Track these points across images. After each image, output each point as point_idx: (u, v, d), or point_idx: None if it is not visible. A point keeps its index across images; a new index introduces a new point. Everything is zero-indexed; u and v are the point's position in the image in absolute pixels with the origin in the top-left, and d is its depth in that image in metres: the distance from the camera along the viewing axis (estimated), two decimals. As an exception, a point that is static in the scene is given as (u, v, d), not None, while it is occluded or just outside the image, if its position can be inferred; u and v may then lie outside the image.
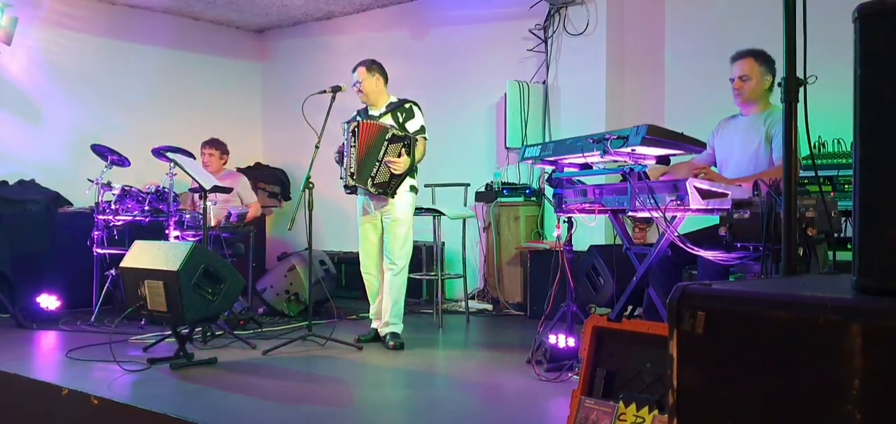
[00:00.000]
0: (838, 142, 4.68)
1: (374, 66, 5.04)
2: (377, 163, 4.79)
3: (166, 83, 8.04)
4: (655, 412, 2.39)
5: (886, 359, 1.33)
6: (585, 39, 6.27)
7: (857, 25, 1.52)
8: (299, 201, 4.84)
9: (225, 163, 6.89)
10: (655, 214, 3.54)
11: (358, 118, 5.00)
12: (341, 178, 4.96)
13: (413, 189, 5.04)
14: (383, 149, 4.79)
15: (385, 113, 4.98)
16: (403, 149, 4.83)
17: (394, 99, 5.07)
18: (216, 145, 6.79)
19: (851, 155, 4.08)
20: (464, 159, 6.96)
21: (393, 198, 4.89)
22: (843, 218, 3.80)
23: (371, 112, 5.06)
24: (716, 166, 4.23)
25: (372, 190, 4.84)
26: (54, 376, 4.18)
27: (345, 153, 4.90)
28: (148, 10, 7.84)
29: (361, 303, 5.71)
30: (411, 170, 4.94)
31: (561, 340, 3.98)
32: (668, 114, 6.09)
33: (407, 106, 5.00)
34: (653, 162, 3.79)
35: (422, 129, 4.98)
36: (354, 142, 4.83)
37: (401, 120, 4.95)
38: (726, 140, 4.18)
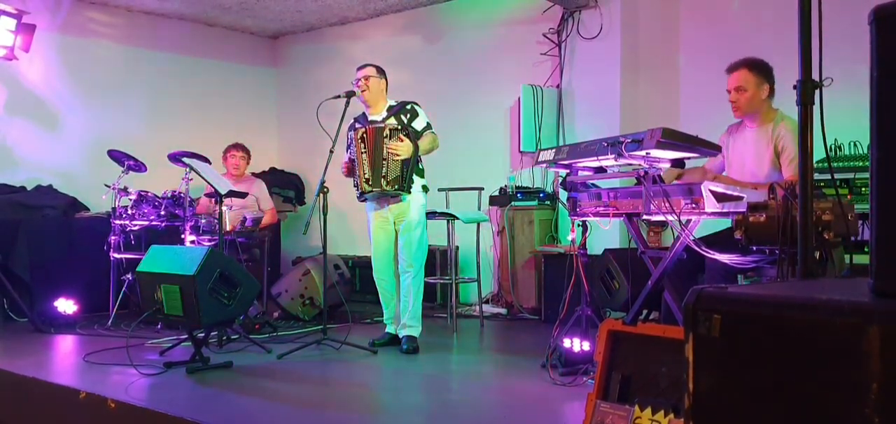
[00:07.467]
0: (855, 145, 4.65)
1: (382, 70, 5.10)
2: (384, 162, 4.82)
3: (181, 89, 8.09)
4: (671, 416, 2.38)
5: (904, 362, 1.32)
6: (599, 43, 6.25)
7: (873, 28, 1.51)
8: (314, 205, 4.86)
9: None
10: (670, 217, 3.53)
11: (357, 125, 5.02)
12: (355, 186, 4.98)
13: (425, 189, 5.06)
14: (384, 145, 4.82)
15: (387, 116, 5.00)
16: (402, 136, 4.85)
17: (393, 102, 5.10)
18: (244, 148, 6.84)
19: (868, 157, 4.06)
20: (478, 163, 6.96)
21: (409, 193, 4.90)
22: (860, 221, 3.77)
23: (371, 116, 5.08)
24: (725, 171, 4.18)
25: (388, 189, 4.85)
26: (72, 379, 4.22)
27: (356, 161, 4.92)
28: (163, 17, 7.90)
29: (376, 307, 5.72)
30: (418, 163, 4.97)
31: (576, 344, 3.97)
32: (683, 117, 6.07)
33: (408, 106, 5.04)
34: (667, 165, 3.78)
35: (428, 126, 5.03)
36: (365, 148, 4.85)
37: (406, 121, 4.97)
38: (737, 150, 4.11)
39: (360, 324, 5.93)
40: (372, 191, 4.90)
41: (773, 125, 3.92)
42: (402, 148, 4.82)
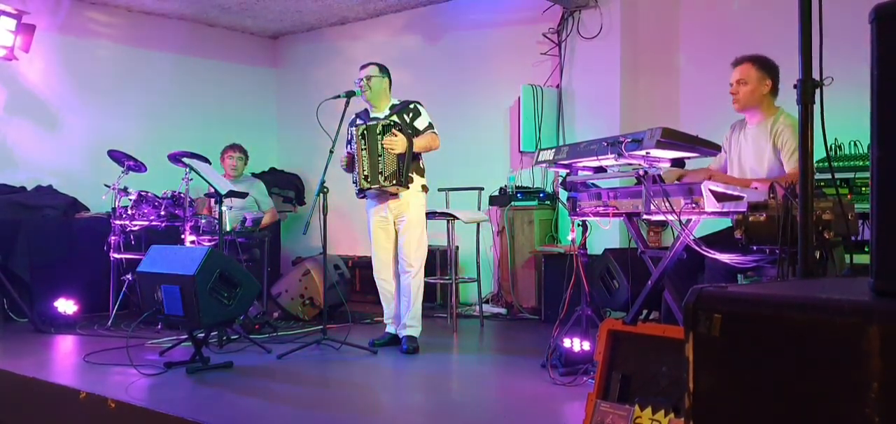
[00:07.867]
0: (855, 144, 4.65)
1: (385, 68, 5.10)
2: (380, 158, 4.82)
3: (181, 89, 8.08)
4: (671, 415, 2.38)
5: (905, 362, 1.32)
6: (599, 42, 6.25)
7: (873, 27, 1.51)
8: (314, 205, 4.86)
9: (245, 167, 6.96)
10: (670, 217, 3.53)
11: (358, 122, 5.03)
12: (354, 183, 4.99)
13: (424, 188, 5.06)
14: (379, 141, 4.83)
15: (390, 114, 5.00)
16: (396, 131, 4.86)
17: (396, 101, 5.10)
18: (241, 149, 6.84)
19: (868, 157, 4.04)
20: (478, 163, 6.96)
21: (407, 188, 4.91)
22: (861, 221, 3.77)
23: (373, 114, 5.08)
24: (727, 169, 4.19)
25: (386, 184, 4.85)
26: (72, 379, 4.22)
27: (355, 157, 4.93)
28: (163, 17, 7.90)
29: (376, 307, 5.72)
30: (418, 160, 4.99)
31: (576, 344, 3.97)
32: (683, 116, 6.06)
33: (411, 106, 5.04)
34: (667, 164, 3.78)
35: (430, 126, 5.03)
36: (365, 145, 4.86)
37: (408, 120, 4.98)
38: (737, 148, 4.12)
39: (360, 324, 5.93)
40: (370, 188, 4.91)
41: (772, 121, 3.93)
42: (397, 142, 4.82)
